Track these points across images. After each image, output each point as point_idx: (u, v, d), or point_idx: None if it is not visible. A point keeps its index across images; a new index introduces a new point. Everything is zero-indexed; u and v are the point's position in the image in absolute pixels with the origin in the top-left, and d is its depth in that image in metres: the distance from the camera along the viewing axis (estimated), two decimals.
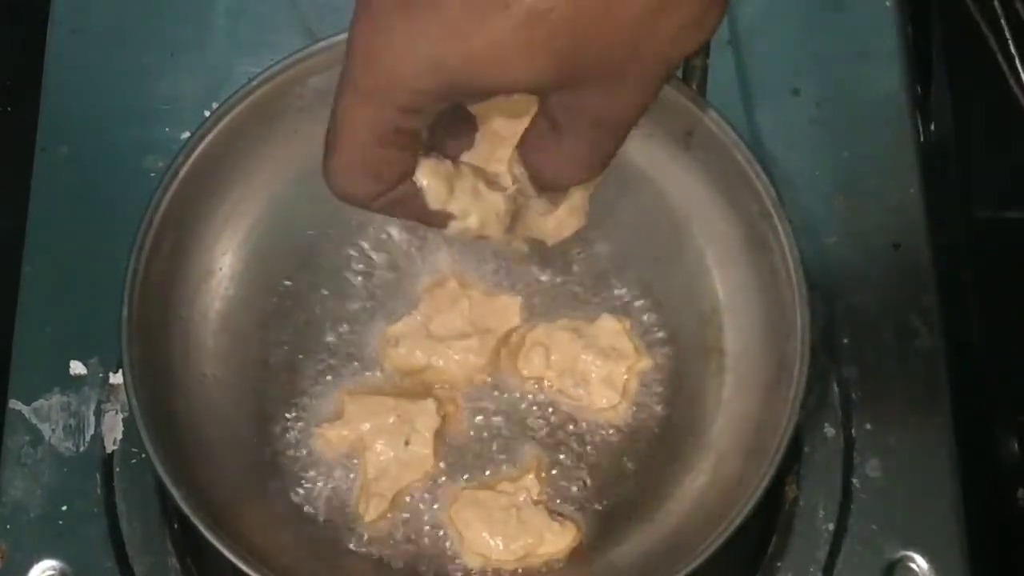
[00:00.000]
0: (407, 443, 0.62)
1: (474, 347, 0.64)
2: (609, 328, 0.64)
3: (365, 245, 0.66)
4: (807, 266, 0.58)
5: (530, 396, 0.64)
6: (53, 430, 0.67)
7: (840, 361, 0.68)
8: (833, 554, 0.64)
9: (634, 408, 0.64)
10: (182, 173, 0.60)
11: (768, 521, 0.65)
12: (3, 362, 0.68)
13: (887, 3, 0.75)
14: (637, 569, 0.59)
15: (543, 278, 0.65)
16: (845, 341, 0.68)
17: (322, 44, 0.61)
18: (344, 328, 0.65)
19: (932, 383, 0.67)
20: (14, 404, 0.67)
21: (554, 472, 0.63)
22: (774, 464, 0.56)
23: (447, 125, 0.49)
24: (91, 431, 0.67)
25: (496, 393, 0.64)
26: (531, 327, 0.65)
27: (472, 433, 0.64)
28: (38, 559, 0.64)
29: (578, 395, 0.64)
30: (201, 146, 0.61)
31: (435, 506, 0.62)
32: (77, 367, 0.68)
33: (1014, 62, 0.70)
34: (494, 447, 0.63)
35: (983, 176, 0.73)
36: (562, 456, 0.63)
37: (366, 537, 0.61)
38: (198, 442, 0.60)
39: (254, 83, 0.61)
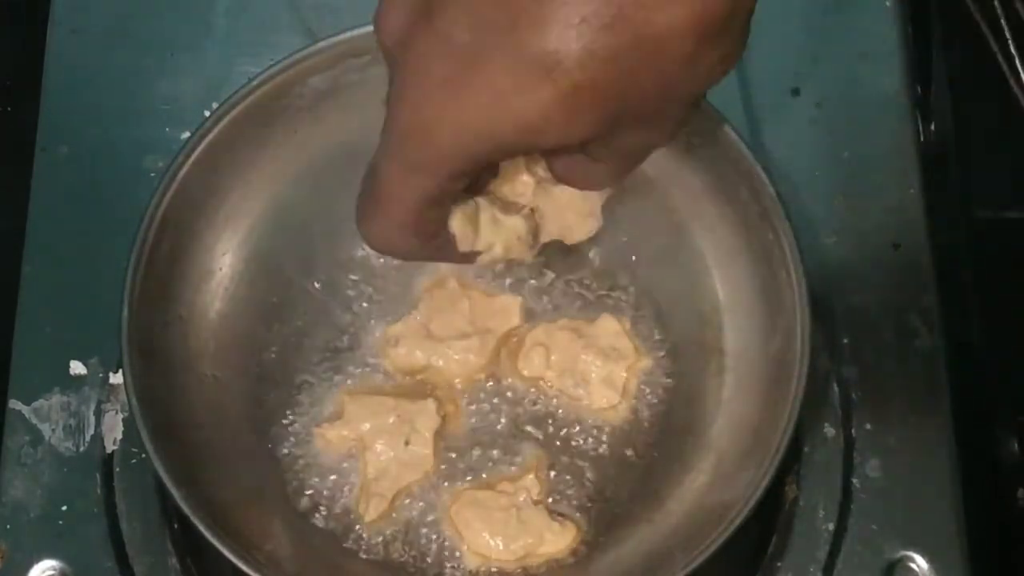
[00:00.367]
0: (407, 443, 0.62)
1: (474, 347, 0.64)
2: (609, 328, 0.64)
3: (365, 245, 0.66)
4: (807, 266, 0.58)
5: (530, 396, 0.64)
6: (53, 430, 0.67)
7: (840, 361, 0.68)
8: (833, 554, 0.64)
9: (634, 408, 0.64)
10: (182, 173, 0.60)
11: (768, 521, 0.65)
12: (3, 362, 0.68)
13: (887, 3, 0.75)
14: (637, 569, 0.59)
15: (543, 278, 0.65)
16: (845, 341, 0.68)
17: (322, 44, 0.61)
18: (344, 328, 0.65)
19: (932, 383, 0.67)
20: (14, 404, 0.67)
21: (554, 472, 0.63)
22: (774, 464, 0.56)
23: None
24: (91, 431, 0.67)
25: (496, 393, 0.64)
26: (531, 327, 0.65)
27: (472, 433, 0.64)
28: (38, 559, 0.64)
29: (578, 395, 0.64)
30: (201, 146, 0.61)
31: (435, 506, 0.62)
32: (77, 367, 0.68)
33: (1014, 62, 0.70)
34: (494, 447, 0.63)
35: (983, 176, 0.73)
36: (562, 456, 0.63)
37: (366, 537, 0.61)
38: (198, 442, 0.60)
39: (254, 83, 0.61)
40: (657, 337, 0.64)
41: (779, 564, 0.65)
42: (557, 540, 0.61)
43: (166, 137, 0.72)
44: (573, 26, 0.40)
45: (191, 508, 0.56)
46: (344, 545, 0.61)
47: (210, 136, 0.61)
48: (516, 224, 0.53)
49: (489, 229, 0.52)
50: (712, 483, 0.60)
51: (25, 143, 0.72)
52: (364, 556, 0.61)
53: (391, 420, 0.62)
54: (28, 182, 0.71)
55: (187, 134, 0.61)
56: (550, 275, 0.65)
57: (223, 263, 0.64)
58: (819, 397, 0.66)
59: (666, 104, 0.44)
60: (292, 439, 0.63)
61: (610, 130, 0.44)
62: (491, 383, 0.64)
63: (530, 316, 0.65)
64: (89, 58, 0.75)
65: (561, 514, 0.62)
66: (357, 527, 0.61)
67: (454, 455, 0.63)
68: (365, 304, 0.65)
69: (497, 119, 0.43)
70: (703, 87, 0.44)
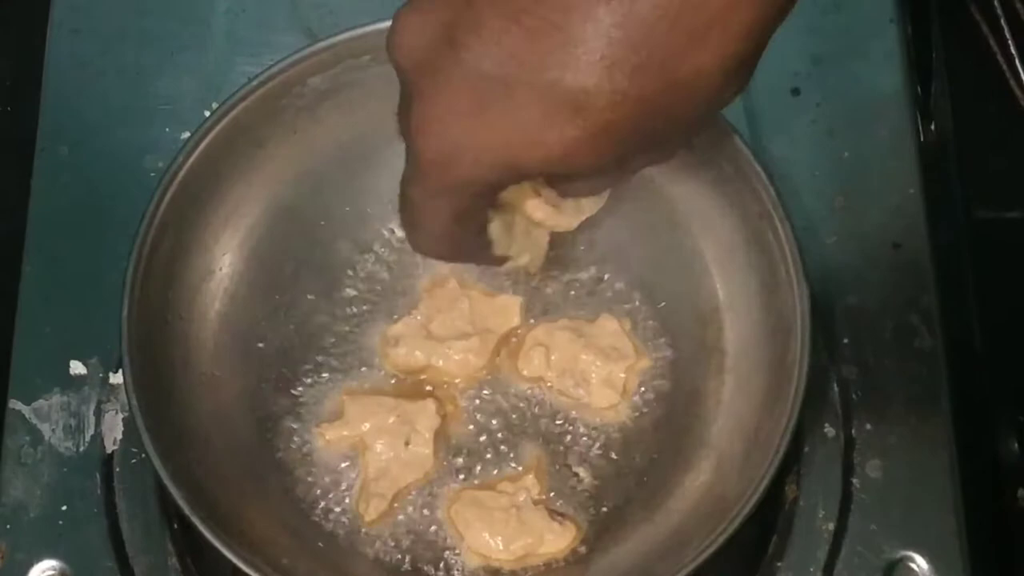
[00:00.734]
0: (407, 443, 0.62)
1: (474, 347, 0.64)
2: (609, 328, 0.64)
3: (365, 245, 0.66)
4: (807, 266, 0.58)
5: (530, 396, 0.64)
6: (53, 430, 0.66)
7: (840, 361, 0.68)
8: (833, 554, 0.64)
9: (634, 408, 0.64)
10: (182, 173, 0.60)
11: (768, 521, 0.65)
12: (3, 362, 0.68)
13: (887, 3, 0.75)
14: (637, 569, 0.59)
15: (543, 278, 0.65)
16: (845, 341, 0.68)
17: (322, 44, 0.61)
18: (344, 328, 0.65)
19: (932, 383, 0.67)
20: (14, 404, 0.67)
21: (554, 472, 0.63)
22: (774, 464, 0.56)
23: None
24: (91, 431, 0.67)
25: (496, 393, 0.64)
26: (531, 327, 0.65)
27: (472, 433, 0.64)
28: (38, 559, 0.64)
29: (578, 395, 0.64)
30: (201, 146, 0.61)
31: (435, 506, 0.62)
32: (77, 367, 0.68)
33: (1014, 62, 0.70)
34: (494, 447, 0.63)
35: (983, 176, 0.73)
36: (562, 456, 0.63)
37: (366, 537, 0.61)
38: (198, 442, 0.60)
39: (254, 83, 0.61)
40: (657, 337, 0.64)
41: (779, 564, 0.65)
42: (557, 540, 0.61)
43: (166, 137, 0.72)
44: (606, 68, 0.41)
45: (191, 508, 0.56)
46: (344, 545, 0.61)
47: (210, 136, 0.61)
48: (542, 237, 0.56)
49: (523, 238, 0.54)
50: (712, 483, 0.60)
51: (25, 143, 0.72)
52: (364, 556, 0.61)
53: (391, 420, 0.62)
54: (28, 182, 0.71)
55: (187, 134, 0.61)
56: (550, 275, 0.65)
57: (223, 263, 0.64)
58: (819, 397, 0.66)
59: (679, 132, 0.46)
60: (292, 439, 0.63)
61: (625, 159, 0.46)
62: (491, 383, 0.64)
63: (530, 316, 0.65)
64: (89, 58, 0.75)
65: (561, 514, 0.62)
66: (357, 527, 0.61)
67: (454, 455, 0.63)
68: (365, 304, 0.65)
69: (522, 152, 0.44)
70: (713, 114, 0.46)
